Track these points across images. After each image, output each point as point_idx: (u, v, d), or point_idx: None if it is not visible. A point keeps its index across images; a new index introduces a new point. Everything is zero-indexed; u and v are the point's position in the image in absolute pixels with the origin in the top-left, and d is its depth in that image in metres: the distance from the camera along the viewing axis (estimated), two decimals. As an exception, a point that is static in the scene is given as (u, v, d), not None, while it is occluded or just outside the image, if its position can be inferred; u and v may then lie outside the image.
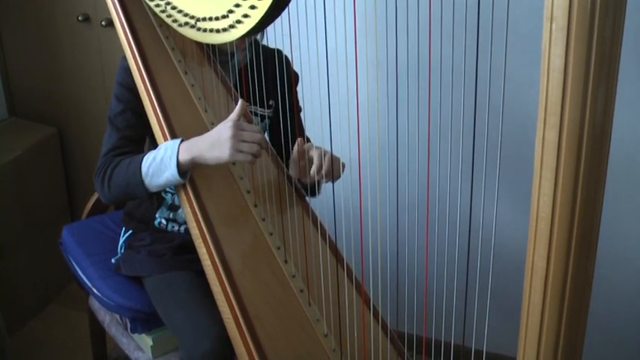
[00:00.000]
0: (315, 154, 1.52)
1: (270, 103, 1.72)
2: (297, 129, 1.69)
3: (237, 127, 1.43)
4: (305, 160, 1.55)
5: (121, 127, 1.62)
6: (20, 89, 2.82)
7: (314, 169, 1.51)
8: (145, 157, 1.52)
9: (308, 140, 1.77)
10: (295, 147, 1.54)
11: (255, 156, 1.45)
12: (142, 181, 1.51)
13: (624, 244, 2.00)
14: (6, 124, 2.75)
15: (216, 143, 1.44)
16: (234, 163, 1.62)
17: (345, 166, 1.59)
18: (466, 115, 1.10)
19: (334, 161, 1.54)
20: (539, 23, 0.83)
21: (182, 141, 1.49)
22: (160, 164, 1.49)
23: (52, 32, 2.66)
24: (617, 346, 2.12)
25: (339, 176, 1.57)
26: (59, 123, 2.77)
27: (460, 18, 1.06)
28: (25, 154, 2.52)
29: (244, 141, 1.43)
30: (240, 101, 1.47)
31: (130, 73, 1.64)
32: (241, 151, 1.43)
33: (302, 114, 1.77)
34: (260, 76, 1.57)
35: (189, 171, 1.50)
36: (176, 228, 1.75)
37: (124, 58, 1.67)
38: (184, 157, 1.46)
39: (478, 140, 1.11)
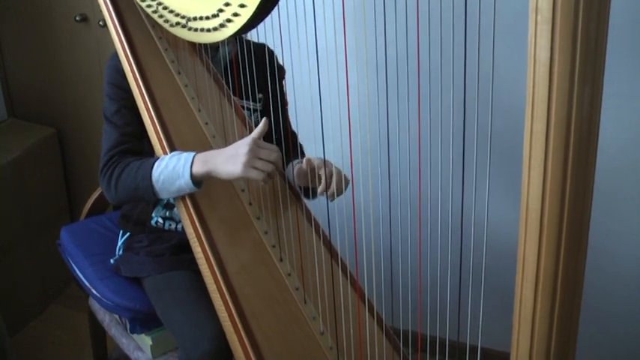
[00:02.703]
0: (323, 174, 1.52)
1: (260, 96, 1.71)
2: (288, 121, 1.68)
3: (255, 144, 1.43)
4: (311, 173, 1.56)
5: (119, 125, 1.62)
6: (19, 90, 2.83)
7: (321, 189, 1.52)
8: (157, 162, 1.51)
9: (294, 134, 1.78)
10: (304, 163, 1.54)
11: (270, 176, 1.45)
12: (151, 186, 1.51)
13: (624, 240, 1.99)
14: (5, 125, 2.75)
15: (231, 158, 1.44)
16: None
17: (349, 183, 1.58)
18: (456, 110, 1.10)
19: (339, 179, 1.54)
20: (526, 15, 0.82)
21: (196, 153, 1.49)
22: (172, 172, 1.48)
23: (50, 33, 2.66)
24: (617, 341, 2.11)
25: (346, 188, 1.57)
26: (58, 123, 2.77)
27: (448, 11, 1.06)
28: (24, 155, 2.53)
29: (260, 159, 1.43)
30: (263, 119, 1.47)
31: (121, 72, 1.63)
32: (255, 168, 1.43)
33: (289, 108, 1.77)
34: (247, 70, 1.56)
35: (203, 181, 1.50)
36: (173, 226, 1.75)
37: (113, 57, 1.67)
38: (198, 169, 1.46)
39: (469, 134, 1.11)
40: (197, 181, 1.48)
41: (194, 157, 1.48)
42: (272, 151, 1.44)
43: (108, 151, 1.61)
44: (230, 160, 1.44)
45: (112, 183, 1.57)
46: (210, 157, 1.47)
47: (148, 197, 1.54)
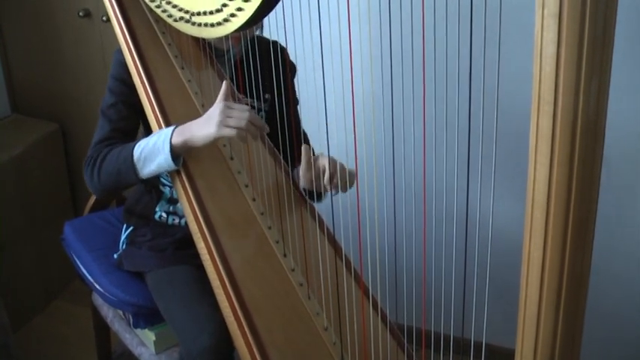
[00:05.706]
0: (326, 163, 1.51)
1: (267, 96, 1.71)
2: (294, 122, 1.68)
3: (225, 106, 1.45)
4: (314, 170, 1.54)
5: (112, 119, 1.63)
6: (22, 86, 2.83)
7: (327, 177, 1.51)
8: (138, 143, 1.53)
9: (305, 135, 1.76)
10: (303, 157, 1.53)
11: (252, 135, 1.45)
12: (133, 167, 1.51)
13: (630, 238, 1.97)
14: (8, 120, 2.75)
15: (205, 122, 1.46)
16: (232, 158, 1.61)
17: (354, 177, 1.56)
18: (461, 105, 1.09)
19: (344, 170, 1.53)
20: (532, 12, 0.82)
21: (176, 127, 1.50)
22: (152, 149, 1.49)
23: (53, 28, 2.66)
24: (624, 342, 2.10)
25: (352, 185, 1.55)
26: (61, 119, 2.77)
27: (453, 8, 1.05)
28: (27, 151, 2.53)
29: (232, 117, 1.44)
30: (224, 82, 1.48)
31: (124, 66, 1.64)
32: (228, 126, 1.43)
33: (298, 106, 1.76)
34: (255, 69, 1.56)
35: (181, 156, 1.51)
36: (177, 221, 1.75)
37: (118, 51, 1.67)
38: (177, 140, 1.47)
39: (474, 130, 1.10)
40: (176, 154, 1.48)
41: (173, 129, 1.49)
42: (243, 110, 1.45)
43: (95, 144, 1.62)
44: (204, 125, 1.46)
45: (95, 171, 1.58)
46: (186, 127, 1.48)
47: (131, 180, 1.55)
